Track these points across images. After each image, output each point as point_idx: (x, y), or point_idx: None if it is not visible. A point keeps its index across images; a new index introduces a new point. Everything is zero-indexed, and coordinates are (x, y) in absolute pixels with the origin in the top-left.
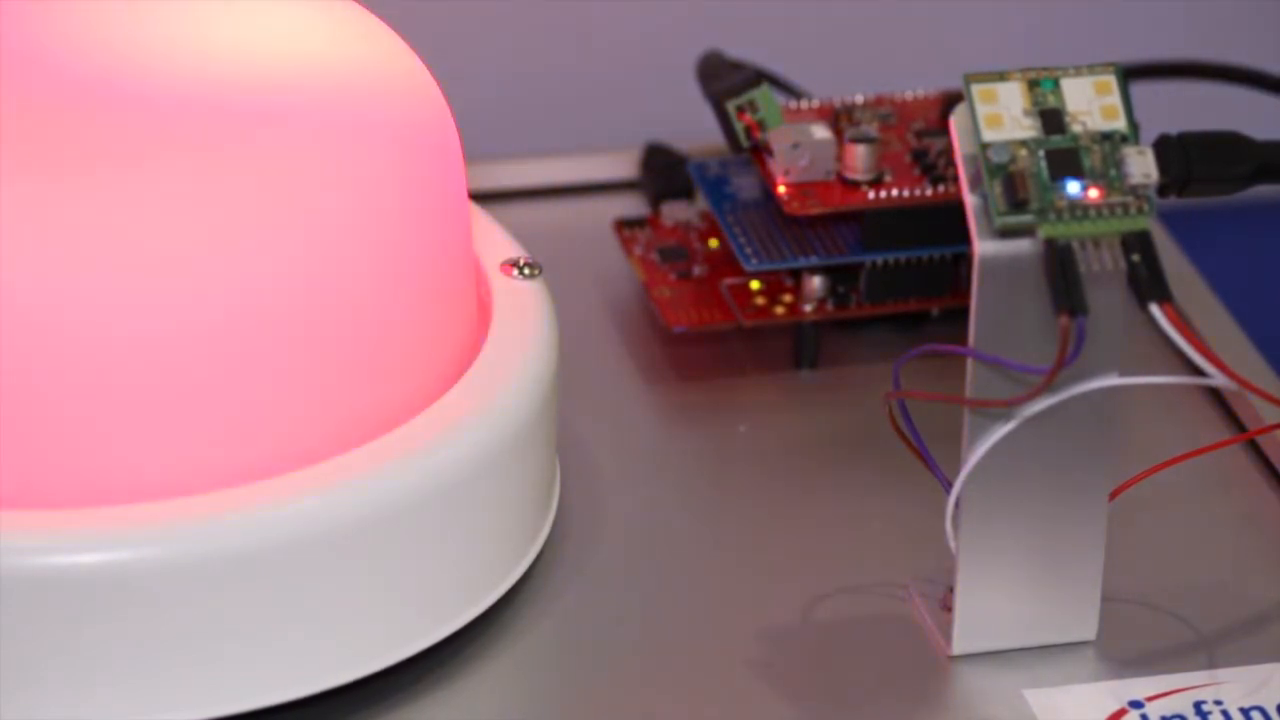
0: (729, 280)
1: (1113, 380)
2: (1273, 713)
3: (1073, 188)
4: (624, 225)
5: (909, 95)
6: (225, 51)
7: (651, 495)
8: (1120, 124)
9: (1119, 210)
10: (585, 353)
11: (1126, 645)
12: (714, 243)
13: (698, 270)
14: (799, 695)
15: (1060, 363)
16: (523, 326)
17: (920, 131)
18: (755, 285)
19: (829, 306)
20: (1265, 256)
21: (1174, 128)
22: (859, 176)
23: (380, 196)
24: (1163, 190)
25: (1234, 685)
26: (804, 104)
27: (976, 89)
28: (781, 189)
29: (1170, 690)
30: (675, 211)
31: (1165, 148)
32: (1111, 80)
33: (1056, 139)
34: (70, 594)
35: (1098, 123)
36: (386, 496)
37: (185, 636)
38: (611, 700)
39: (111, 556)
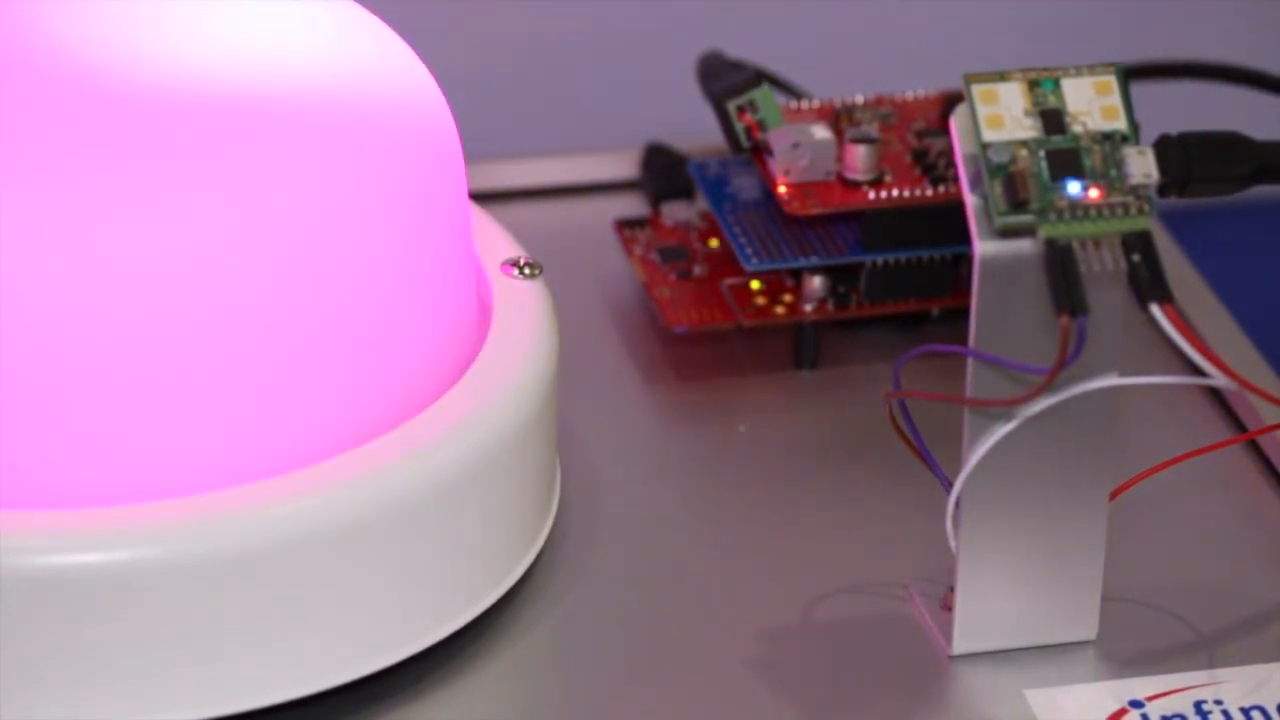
0: (729, 280)
1: (1113, 380)
2: (1273, 713)
3: (1073, 188)
4: (624, 225)
5: (909, 95)
6: (224, 51)
7: (651, 495)
8: (1120, 124)
9: (1119, 210)
10: (585, 353)
11: (1126, 645)
12: (714, 243)
13: (698, 270)
14: (799, 695)
15: (1060, 363)
16: (523, 326)
17: (920, 131)
18: (755, 285)
19: (829, 306)
20: (1265, 256)
21: (1174, 128)
22: (859, 176)
23: (380, 196)
24: (1163, 190)
25: (1234, 685)
26: (804, 104)
27: (977, 89)
28: (782, 189)
29: (1170, 690)
30: (675, 211)
31: (1165, 148)
32: (1112, 80)
33: (1057, 139)
34: (70, 594)
35: (1098, 123)
36: (386, 496)
37: (185, 636)
38: (611, 700)
39: (111, 556)
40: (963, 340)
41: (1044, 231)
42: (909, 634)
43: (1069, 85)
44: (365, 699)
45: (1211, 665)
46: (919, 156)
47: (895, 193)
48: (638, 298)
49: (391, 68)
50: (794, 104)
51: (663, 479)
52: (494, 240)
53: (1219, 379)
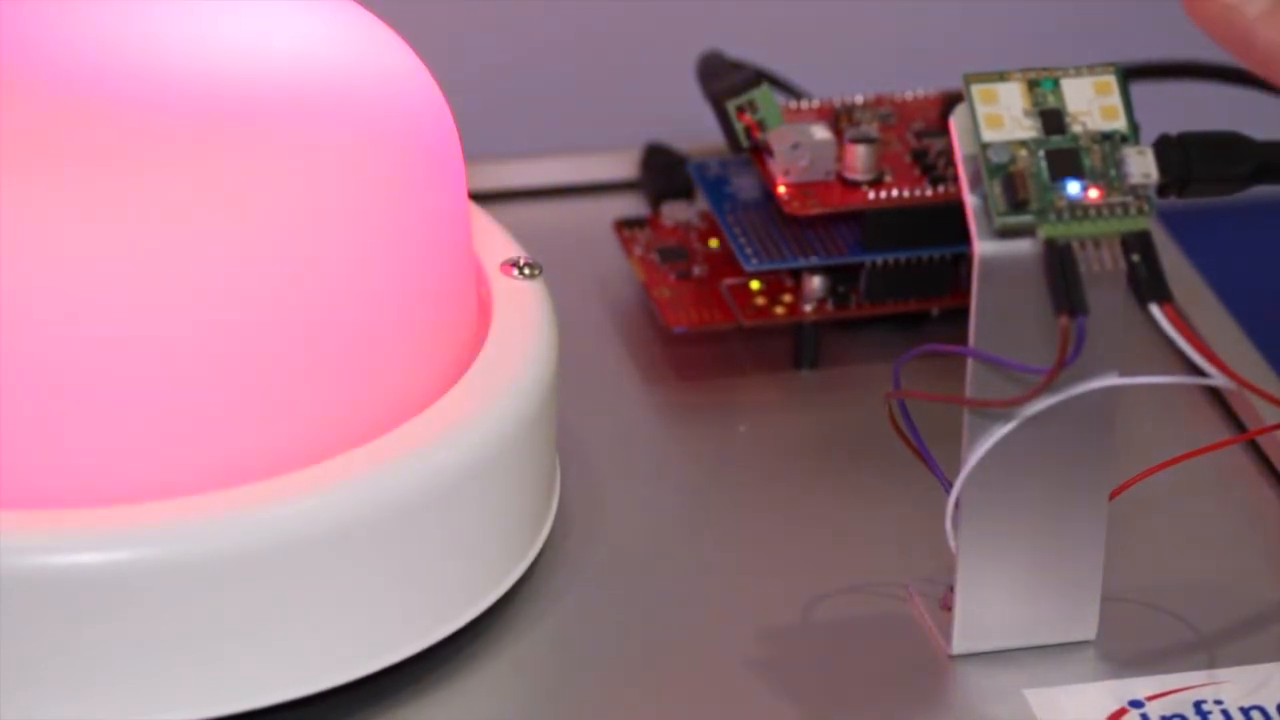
0: (729, 280)
1: (1113, 380)
2: (1273, 713)
3: (1073, 188)
4: (624, 225)
5: (909, 95)
6: (225, 52)
7: (651, 495)
8: (1120, 124)
9: (1119, 210)
10: (585, 353)
11: (1126, 645)
12: (714, 243)
13: (698, 270)
14: (799, 695)
15: (1060, 363)
16: (523, 326)
17: (920, 132)
18: (755, 285)
19: (829, 306)
20: (1265, 256)
21: (1174, 128)
22: (859, 176)
23: (380, 197)
24: (1163, 190)
25: (1234, 685)
26: (804, 104)
27: (976, 89)
28: (781, 189)
29: (1170, 690)
30: (675, 211)
31: (1165, 148)
32: (1111, 80)
33: (1056, 139)
34: (70, 594)
35: (1098, 123)
36: (386, 496)
37: (185, 636)
38: (611, 700)
39: (111, 556)
40: (963, 340)
41: (1043, 231)
42: (909, 634)
43: (1069, 85)
44: (365, 699)
45: (1211, 665)
46: (919, 156)
47: (895, 193)
48: (637, 298)
49: (391, 68)
50: (794, 104)
51: (663, 479)
52: (494, 240)
53: (1219, 379)
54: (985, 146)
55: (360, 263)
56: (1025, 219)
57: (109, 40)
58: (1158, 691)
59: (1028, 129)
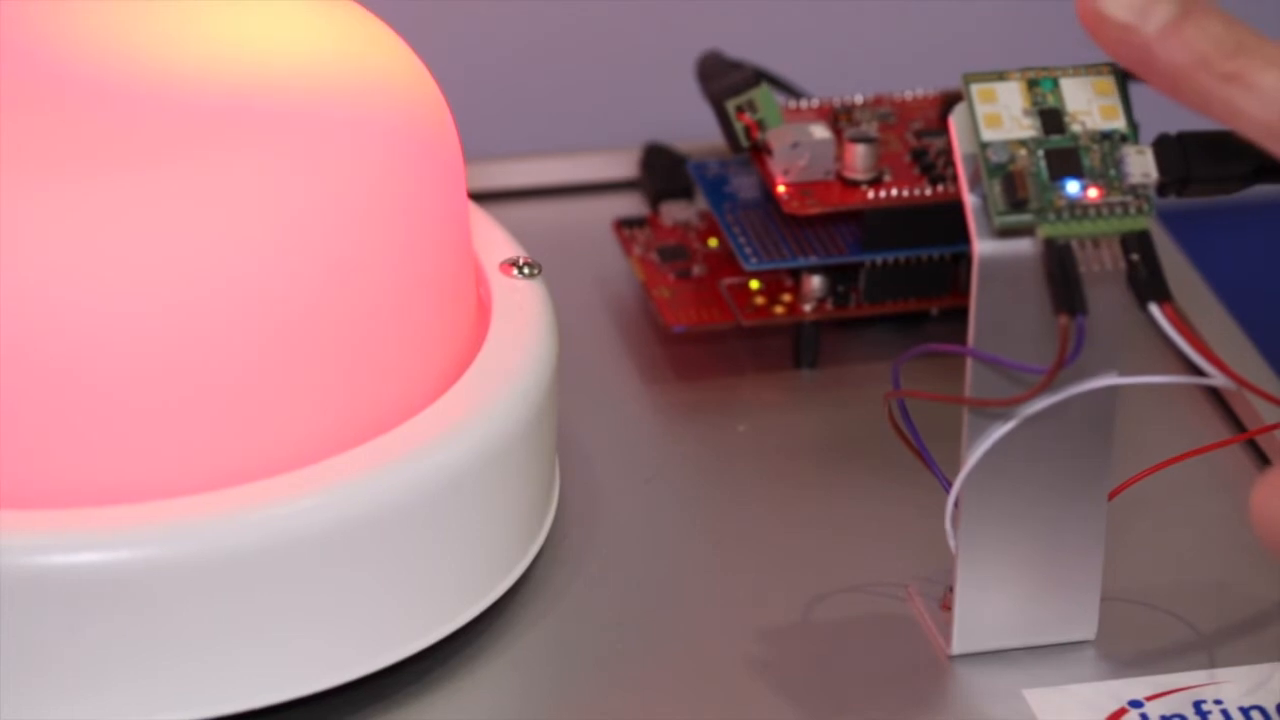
0: (729, 280)
1: (1113, 380)
2: (1273, 713)
3: (1072, 187)
4: (624, 225)
5: (909, 95)
6: (224, 52)
7: (651, 495)
8: (1120, 124)
9: (1119, 210)
10: (585, 353)
11: (1126, 645)
12: (714, 242)
13: (697, 270)
14: (799, 695)
15: (1060, 363)
16: (522, 326)
17: (920, 131)
18: (755, 285)
19: (829, 306)
20: (1265, 256)
21: (1173, 127)
22: (859, 176)
23: (380, 196)
24: (1162, 190)
25: (1234, 685)
26: (804, 104)
27: (976, 89)
28: (781, 189)
29: (1170, 690)
30: (675, 211)
31: (1165, 147)
32: (1111, 80)
33: (1056, 139)
34: (70, 594)
35: (1097, 122)
36: (386, 496)
37: (185, 636)
38: (610, 700)
39: (111, 556)
40: (962, 340)
41: (1043, 231)
42: (909, 634)
43: (1068, 85)
44: (365, 699)
45: (1211, 665)
46: (918, 156)
47: (894, 192)
48: (637, 298)
49: (391, 68)
50: (793, 104)
51: (663, 479)
52: (494, 240)
53: (1218, 379)
54: (985, 146)
55: (360, 262)
56: (1025, 218)
57: (107, 40)
58: (1157, 691)
59: (1027, 128)
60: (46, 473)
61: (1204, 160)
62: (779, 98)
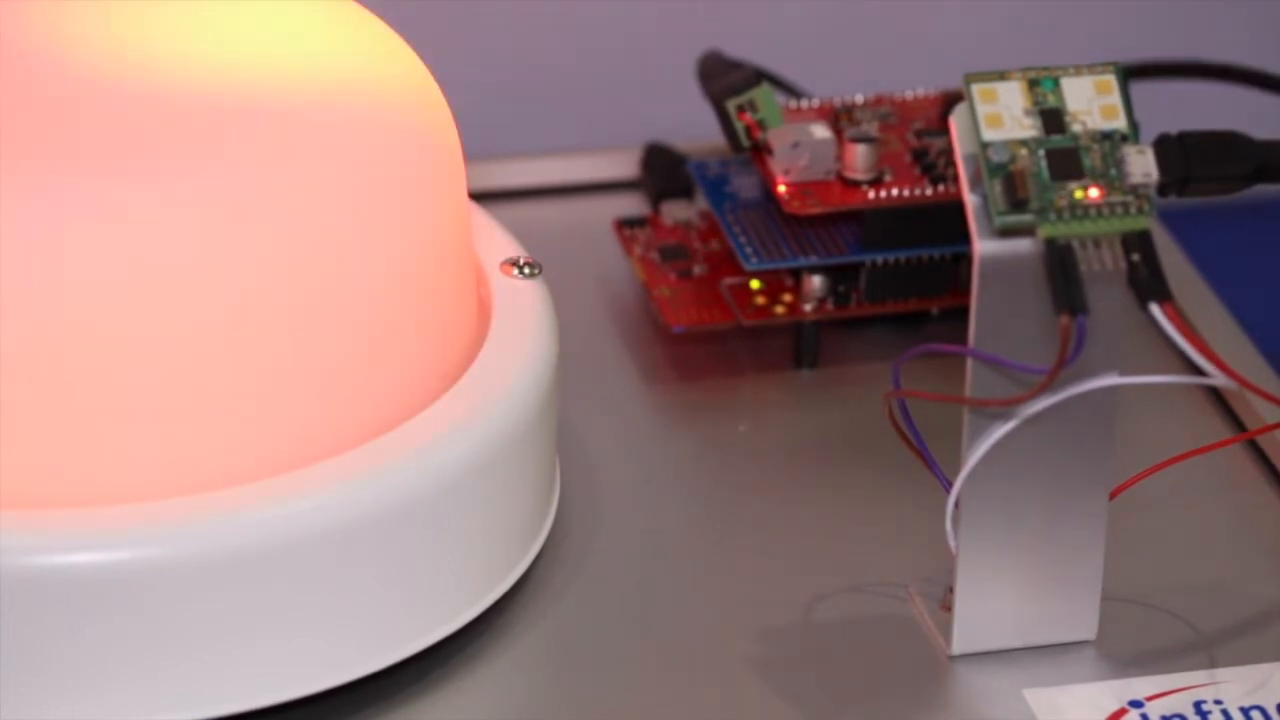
0: (729, 280)
1: (1113, 380)
2: (1273, 712)
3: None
4: (624, 225)
5: (909, 95)
6: (225, 52)
7: (651, 495)
8: (1120, 123)
9: (1119, 210)
10: (585, 353)
11: (1126, 645)
12: (714, 242)
13: (698, 270)
14: (799, 695)
15: (1060, 362)
16: (523, 326)
17: (920, 131)
18: (755, 285)
19: (829, 306)
20: (1265, 256)
21: (1174, 128)
22: (859, 176)
23: (380, 196)
24: (1163, 190)
25: (1234, 685)
26: (804, 104)
27: (976, 88)
28: (781, 188)
29: (1170, 690)
30: (675, 211)
31: (1165, 147)
32: (1111, 80)
33: (1056, 138)
34: (70, 594)
35: (1098, 122)
36: (386, 496)
37: (185, 636)
38: (611, 700)
39: (111, 556)
40: (963, 340)
41: (1043, 231)
42: (909, 634)
43: (1069, 84)
44: (365, 699)
45: (1211, 665)
46: (919, 156)
47: (895, 192)
48: (638, 297)
49: (391, 68)
50: (794, 103)
51: (663, 479)
52: (494, 240)
53: (1219, 379)
54: (985, 146)
55: (360, 262)
56: (1025, 218)
57: (108, 40)
58: (1158, 691)
59: (1028, 128)
60: (46, 473)
61: (1204, 160)
62: (779, 97)
